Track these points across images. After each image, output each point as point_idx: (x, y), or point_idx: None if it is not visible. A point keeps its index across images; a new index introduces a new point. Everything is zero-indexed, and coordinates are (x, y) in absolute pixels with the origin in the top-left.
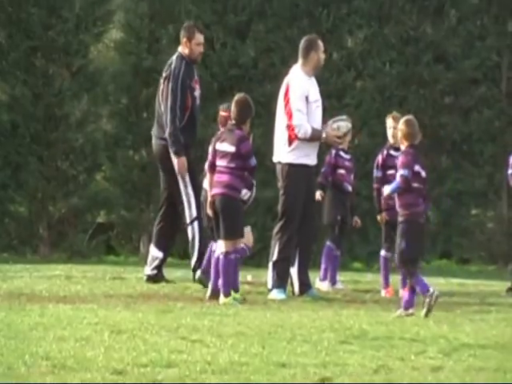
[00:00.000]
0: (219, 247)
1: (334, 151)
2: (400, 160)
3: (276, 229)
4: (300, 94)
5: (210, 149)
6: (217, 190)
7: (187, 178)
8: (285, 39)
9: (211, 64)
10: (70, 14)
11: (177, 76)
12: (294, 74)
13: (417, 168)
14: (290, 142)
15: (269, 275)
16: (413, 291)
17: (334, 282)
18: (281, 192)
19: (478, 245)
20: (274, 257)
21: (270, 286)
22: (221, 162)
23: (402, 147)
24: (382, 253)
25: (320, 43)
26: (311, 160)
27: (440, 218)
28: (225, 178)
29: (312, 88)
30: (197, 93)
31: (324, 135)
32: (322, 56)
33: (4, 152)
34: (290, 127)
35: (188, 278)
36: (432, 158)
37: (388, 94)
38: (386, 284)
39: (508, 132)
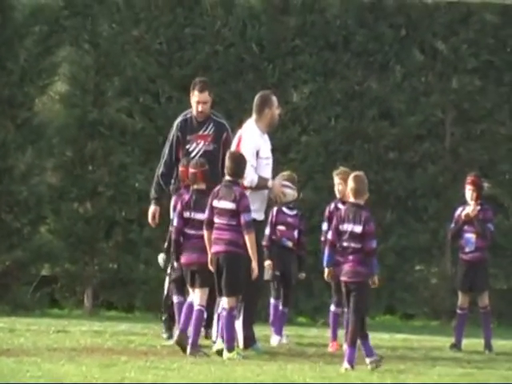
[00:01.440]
0: (223, 303)
1: (275, 209)
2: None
3: None
4: (251, 147)
5: (208, 206)
6: (219, 248)
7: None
8: (230, 93)
9: (156, 117)
10: (14, 66)
11: (172, 128)
12: (247, 128)
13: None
14: None
15: (214, 328)
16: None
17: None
18: None
19: (421, 300)
20: (219, 310)
21: (214, 338)
22: (220, 220)
23: (352, 200)
24: (332, 308)
25: (274, 99)
26: (258, 215)
27: (384, 273)
28: (227, 235)
29: (264, 145)
30: (192, 147)
31: (270, 184)
32: (277, 112)
33: None
34: None
35: (132, 332)
36: (377, 213)
37: (333, 148)
38: (334, 338)
39: (452, 188)
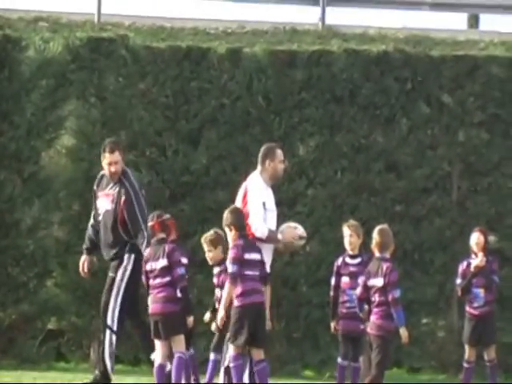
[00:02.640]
0: (258, 355)
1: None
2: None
3: (228, 335)
4: (258, 199)
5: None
6: (255, 299)
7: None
8: (237, 146)
9: (163, 171)
10: (21, 120)
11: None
12: (252, 179)
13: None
14: None
15: (220, 380)
16: None
17: None
18: None
19: (428, 354)
20: (226, 362)
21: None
22: (251, 272)
23: (377, 255)
24: (339, 360)
25: (277, 152)
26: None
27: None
28: (258, 285)
29: (268, 198)
30: (100, 204)
31: (280, 236)
32: (280, 166)
33: None
34: (247, 226)
35: None
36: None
37: (339, 201)
38: None
39: (458, 241)
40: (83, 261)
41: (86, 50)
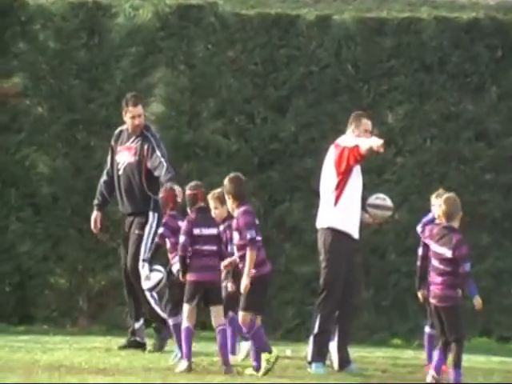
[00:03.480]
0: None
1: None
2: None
3: (317, 302)
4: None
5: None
6: (269, 267)
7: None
8: (325, 114)
9: (251, 138)
10: (110, 87)
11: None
12: (342, 138)
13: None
14: (336, 200)
15: (309, 348)
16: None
17: None
18: (323, 265)
19: None
20: (315, 330)
21: (309, 359)
22: (259, 237)
23: (444, 224)
24: (427, 329)
25: (363, 121)
26: (354, 232)
27: (480, 295)
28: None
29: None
30: (120, 158)
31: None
32: (365, 135)
33: (44, 224)
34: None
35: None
36: (472, 235)
37: (428, 170)
38: (429, 360)
39: None
40: (95, 217)
41: (175, 16)
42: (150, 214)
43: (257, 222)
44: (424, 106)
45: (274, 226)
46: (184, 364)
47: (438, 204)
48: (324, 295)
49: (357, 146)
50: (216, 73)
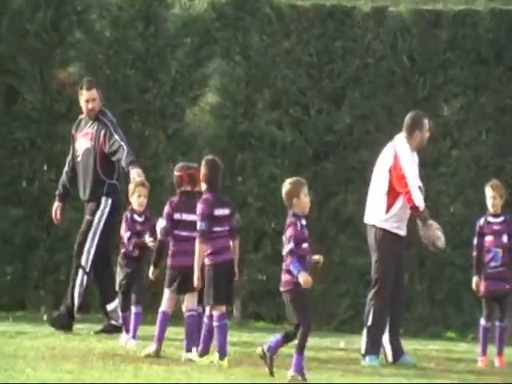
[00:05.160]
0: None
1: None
2: None
3: (370, 295)
4: (411, 166)
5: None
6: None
7: None
8: (380, 106)
9: (306, 129)
10: (166, 77)
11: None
12: (400, 144)
13: None
14: (388, 208)
15: (362, 341)
16: None
17: None
18: (374, 259)
19: None
20: (369, 322)
21: (363, 351)
22: (220, 228)
23: None
24: (482, 322)
25: (425, 122)
26: (403, 231)
27: None
28: (228, 242)
29: (414, 164)
30: (78, 145)
31: (430, 222)
32: (426, 135)
33: None
34: (406, 196)
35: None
36: None
37: (484, 163)
38: (484, 353)
39: None
40: (55, 208)
41: (230, 7)
42: (103, 199)
43: (227, 211)
44: (480, 99)
45: (329, 218)
46: (152, 347)
47: (491, 195)
48: (376, 288)
49: (417, 208)
50: (271, 64)
